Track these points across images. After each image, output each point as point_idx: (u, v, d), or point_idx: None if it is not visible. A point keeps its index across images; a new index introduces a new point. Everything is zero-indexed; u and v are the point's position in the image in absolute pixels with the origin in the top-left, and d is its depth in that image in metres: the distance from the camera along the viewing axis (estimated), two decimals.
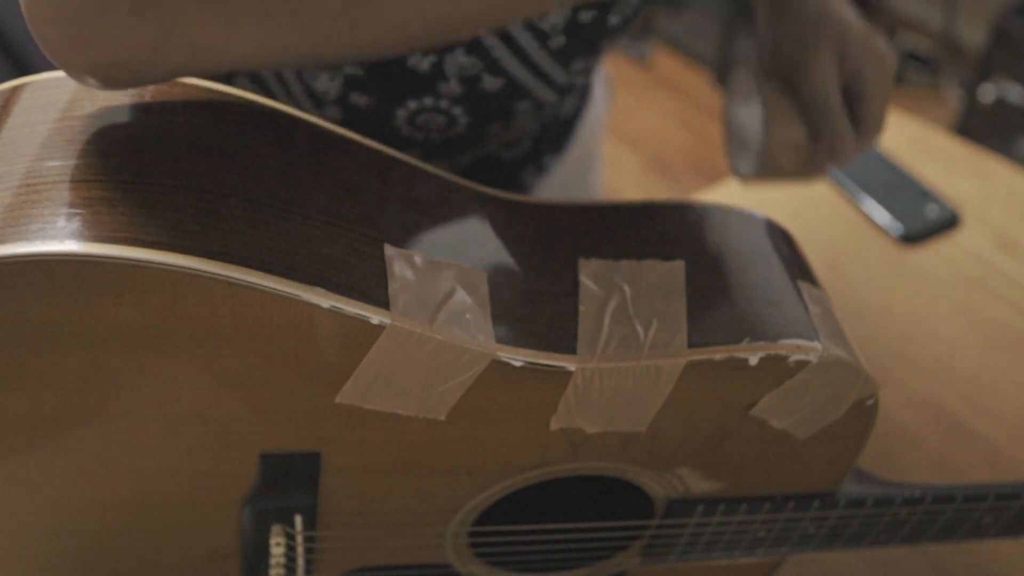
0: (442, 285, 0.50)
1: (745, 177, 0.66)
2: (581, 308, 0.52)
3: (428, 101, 0.58)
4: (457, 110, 0.60)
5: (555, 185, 0.78)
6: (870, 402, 0.56)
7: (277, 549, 0.56)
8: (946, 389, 1.06)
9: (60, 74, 0.51)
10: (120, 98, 0.50)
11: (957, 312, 1.04)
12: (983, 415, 1.04)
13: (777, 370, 0.53)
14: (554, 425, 0.53)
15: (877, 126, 0.64)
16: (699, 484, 0.59)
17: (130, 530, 0.55)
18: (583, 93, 0.79)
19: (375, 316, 0.46)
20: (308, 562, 0.58)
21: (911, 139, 1.23)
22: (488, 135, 0.65)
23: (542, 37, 0.58)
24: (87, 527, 0.54)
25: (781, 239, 0.60)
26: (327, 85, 0.58)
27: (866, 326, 1.06)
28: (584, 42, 0.60)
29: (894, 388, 1.07)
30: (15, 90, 0.52)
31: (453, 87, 0.58)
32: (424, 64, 0.55)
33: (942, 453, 1.04)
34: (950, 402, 1.05)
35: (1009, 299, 1.06)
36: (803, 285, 0.56)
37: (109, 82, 0.43)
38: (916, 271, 1.08)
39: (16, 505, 0.52)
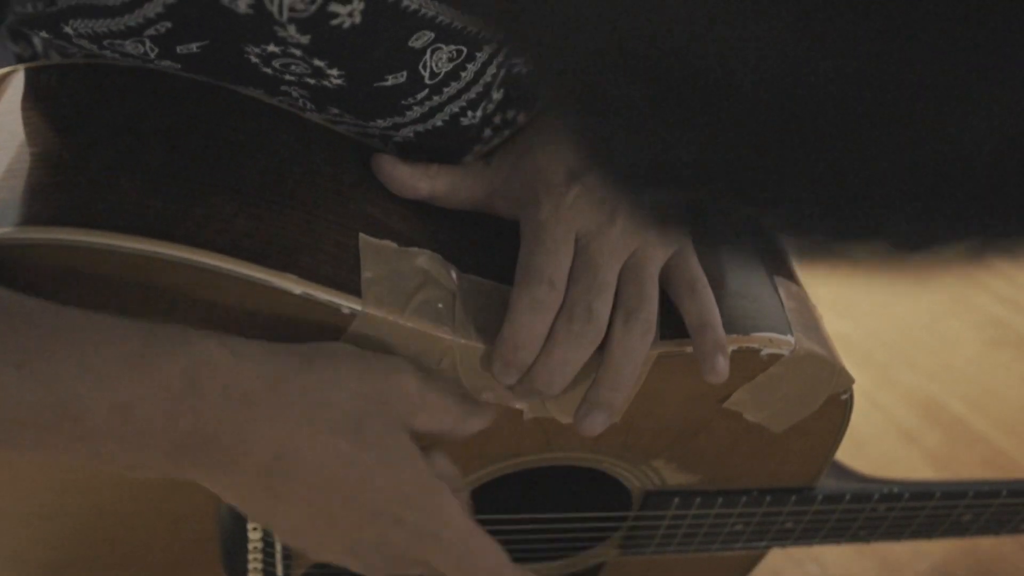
0: (414, 273, 0.50)
1: None
2: None
3: (273, 48, 0.45)
4: (319, 62, 0.46)
5: None
6: (844, 396, 0.56)
7: (255, 534, 0.57)
8: (946, 389, 1.05)
9: (50, 63, 0.52)
10: (103, 84, 0.50)
11: (957, 311, 1.04)
12: (983, 415, 1.03)
13: (750, 363, 0.53)
14: (527, 415, 0.53)
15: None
16: (675, 476, 0.59)
17: (112, 512, 0.56)
18: None
19: (346, 304, 0.47)
20: (286, 547, 0.59)
21: None
22: (389, 97, 0.50)
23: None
24: (68, 509, 0.55)
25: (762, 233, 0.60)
26: (136, 48, 0.47)
27: (866, 326, 1.06)
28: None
29: (894, 388, 1.06)
30: (6, 77, 0.53)
31: (294, 33, 0.44)
32: (241, 5, 0.42)
33: (942, 453, 1.03)
34: (950, 402, 1.05)
35: (1009, 298, 1.05)
36: (780, 280, 0.57)
37: None
38: (915, 270, 1.07)
39: None
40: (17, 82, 0.52)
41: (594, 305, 0.49)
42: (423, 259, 0.51)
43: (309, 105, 0.52)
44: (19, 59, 0.62)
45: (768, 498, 0.61)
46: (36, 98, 0.50)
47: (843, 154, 0.17)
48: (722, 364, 0.50)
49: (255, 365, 0.44)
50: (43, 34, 0.49)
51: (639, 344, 0.49)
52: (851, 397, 0.56)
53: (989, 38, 0.15)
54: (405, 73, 0.49)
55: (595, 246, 0.49)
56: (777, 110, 0.17)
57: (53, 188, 0.45)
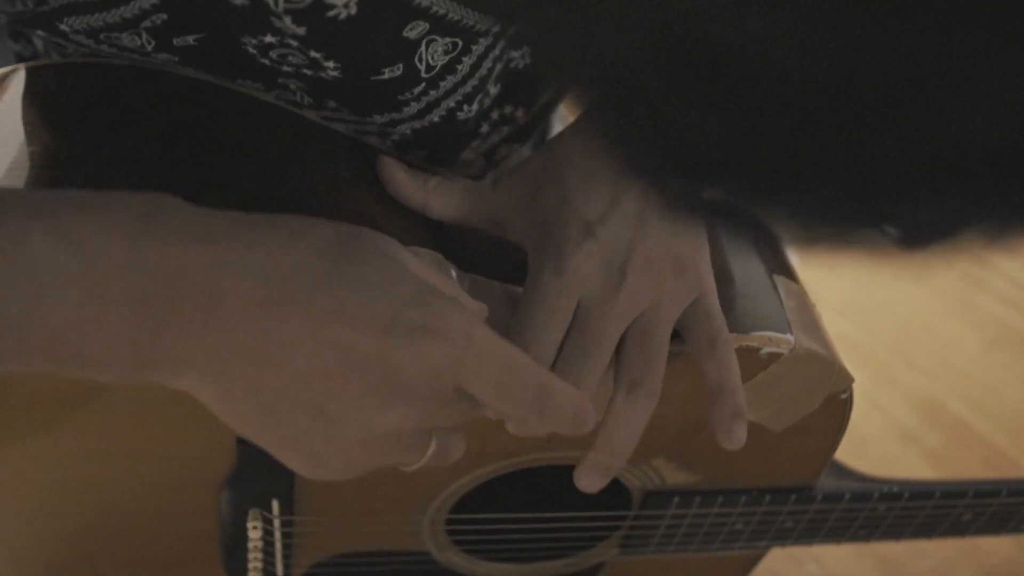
0: None
1: None
2: None
3: (271, 39, 0.46)
4: (315, 54, 0.46)
5: None
6: (844, 395, 0.56)
7: (254, 533, 0.57)
8: (946, 389, 1.05)
9: (50, 62, 0.52)
10: (101, 83, 0.51)
11: (957, 311, 1.04)
12: (983, 415, 1.03)
13: (749, 362, 0.53)
14: None
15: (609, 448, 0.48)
16: (675, 476, 0.59)
17: (112, 512, 0.56)
18: None
19: None
20: (286, 546, 0.59)
21: None
22: (387, 91, 0.50)
23: None
24: (68, 509, 0.55)
25: (761, 232, 0.60)
26: (132, 41, 0.47)
27: (866, 326, 1.06)
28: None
29: (894, 388, 1.06)
30: (6, 77, 0.53)
31: (290, 25, 0.44)
32: None
33: (942, 453, 1.03)
34: (950, 402, 1.05)
35: (1009, 299, 1.05)
36: (779, 279, 0.57)
37: None
38: (916, 271, 1.07)
39: None
40: (18, 81, 0.52)
41: (580, 383, 0.46)
42: (424, 258, 0.51)
43: (307, 99, 0.52)
44: (19, 58, 0.62)
45: (768, 497, 0.61)
46: (36, 97, 0.50)
47: (864, 139, 0.17)
48: (739, 432, 0.47)
49: (217, 211, 0.38)
50: (40, 32, 0.49)
51: (641, 415, 0.47)
52: (851, 396, 0.56)
53: (999, 23, 0.15)
54: (401, 66, 0.49)
55: (596, 315, 0.46)
56: (802, 96, 0.17)
57: (51, 186, 0.45)
